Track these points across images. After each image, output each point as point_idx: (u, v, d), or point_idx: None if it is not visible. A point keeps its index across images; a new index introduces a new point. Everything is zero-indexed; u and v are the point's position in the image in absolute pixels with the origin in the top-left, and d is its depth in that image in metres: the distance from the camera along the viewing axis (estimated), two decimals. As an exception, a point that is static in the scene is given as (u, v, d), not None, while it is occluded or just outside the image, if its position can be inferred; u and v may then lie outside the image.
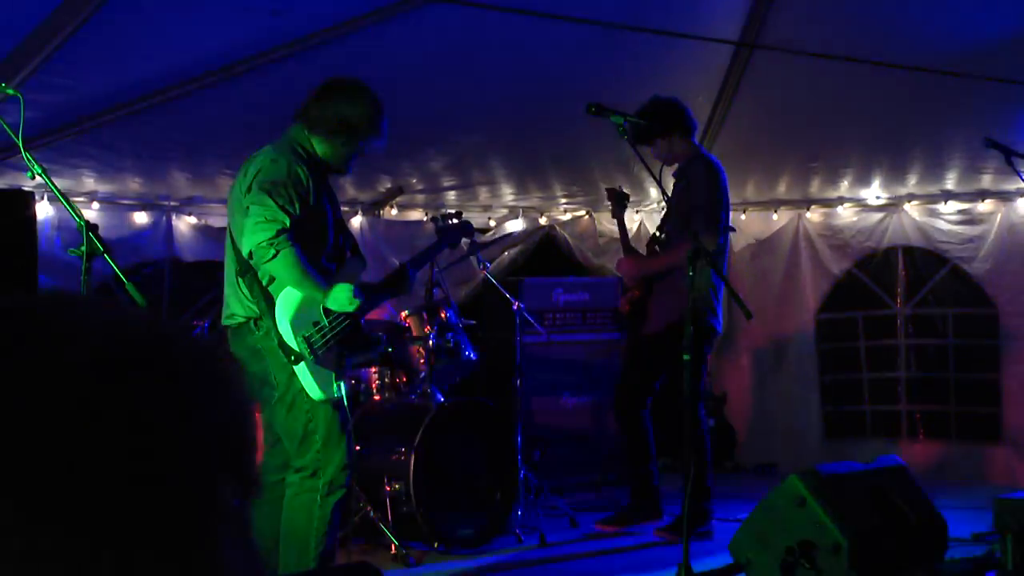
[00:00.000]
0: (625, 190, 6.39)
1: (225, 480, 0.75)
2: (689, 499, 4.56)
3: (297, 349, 4.09)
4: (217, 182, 6.82)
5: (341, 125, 4.24)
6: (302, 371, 4.11)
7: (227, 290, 4.29)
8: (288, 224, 4.02)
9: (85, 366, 0.71)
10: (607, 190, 6.36)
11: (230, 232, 4.27)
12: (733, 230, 5.73)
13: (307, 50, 5.49)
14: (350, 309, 4.20)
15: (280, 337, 4.10)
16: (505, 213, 8.24)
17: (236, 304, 4.23)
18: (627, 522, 6.01)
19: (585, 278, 8.07)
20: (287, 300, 4.11)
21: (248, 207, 4.06)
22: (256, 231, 3.99)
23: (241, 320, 4.21)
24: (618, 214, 6.26)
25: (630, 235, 8.54)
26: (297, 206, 4.09)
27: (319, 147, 4.28)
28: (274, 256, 3.98)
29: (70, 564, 0.67)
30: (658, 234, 6.14)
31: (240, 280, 4.18)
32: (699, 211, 5.73)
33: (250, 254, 4.02)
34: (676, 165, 5.99)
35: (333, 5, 5.38)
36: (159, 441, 0.71)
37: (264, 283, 4.13)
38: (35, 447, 0.68)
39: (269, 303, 4.12)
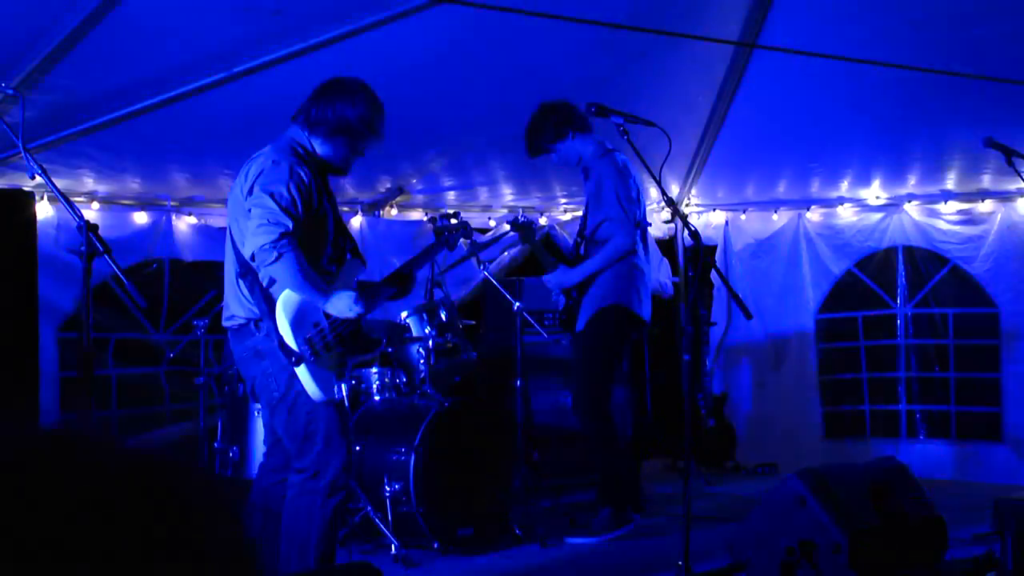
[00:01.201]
0: (521, 218, 6.40)
1: None
2: (687, 499, 4.56)
3: (298, 351, 4.09)
4: (217, 182, 6.82)
5: (341, 125, 4.24)
6: (303, 373, 4.11)
7: (228, 291, 4.29)
8: (291, 227, 4.02)
9: (79, 509, 0.74)
10: (510, 224, 6.31)
11: (230, 234, 4.27)
12: (649, 224, 5.75)
13: (307, 50, 5.49)
14: (350, 316, 4.21)
15: (281, 338, 4.09)
16: (505, 213, 8.24)
17: (237, 305, 4.22)
18: (602, 531, 5.86)
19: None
20: (288, 302, 4.11)
21: (250, 209, 4.06)
22: (259, 234, 3.99)
23: (242, 321, 4.21)
24: (530, 242, 6.22)
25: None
26: (299, 208, 4.09)
27: (319, 147, 4.28)
28: (276, 260, 3.98)
29: None
30: (579, 239, 6.11)
31: (241, 281, 4.18)
32: (611, 219, 5.75)
33: (252, 256, 4.02)
34: (581, 165, 5.95)
35: (333, 5, 5.38)
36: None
37: (265, 284, 4.13)
38: None
39: (270, 305, 4.12)
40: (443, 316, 5.90)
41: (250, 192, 4.09)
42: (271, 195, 4.03)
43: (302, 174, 4.13)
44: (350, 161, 4.35)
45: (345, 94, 4.26)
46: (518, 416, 6.03)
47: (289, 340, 4.09)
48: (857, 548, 4.24)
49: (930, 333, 7.91)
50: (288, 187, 4.06)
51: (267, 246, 3.97)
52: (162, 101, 5.67)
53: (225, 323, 4.31)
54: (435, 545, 5.45)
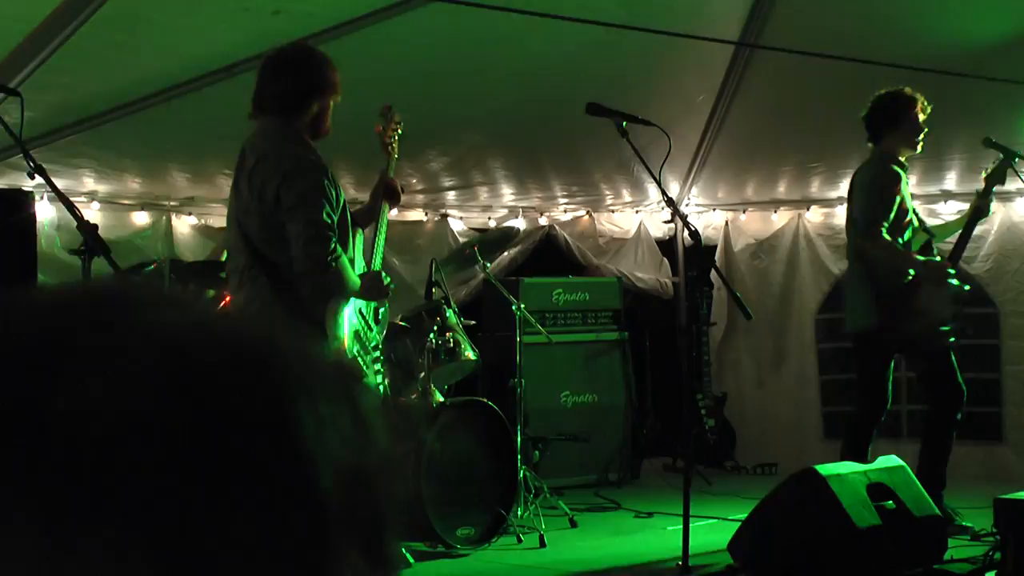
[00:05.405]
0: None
1: (350, 557, 0.53)
2: (688, 499, 4.55)
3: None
4: (217, 182, 6.82)
5: (310, 91, 4.13)
6: None
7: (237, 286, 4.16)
8: (336, 233, 4.02)
9: (151, 380, 0.50)
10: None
11: (253, 243, 4.10)
12: (920, 227, 5.75)
13: (307, 50, 5.48)
14: (386, 296, 4.28)
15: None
16: (505, 213, 8.23)
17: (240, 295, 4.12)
18: None
19: (585, 278, 8.07)
20: (336, 316, 4.08)
21: (289, 221, 3.99)
22: (313, 243, 3.94)
23: None
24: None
25: (628, 236, 8.58)
26: (334, 207, 4.07)
27: (303, 127, 4.22)
28: (331, 269, 3.97)
29: None
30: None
31: (246, 274, 4.07)
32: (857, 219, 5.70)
33: (305, 269, 3.96)
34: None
35: (333, 5, 5.38)
36: (253, 492, 0.49)
37: (309, 294, 4.05)
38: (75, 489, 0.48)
39: (313, 320, 4.04)
40: (443, 316, 5.90)
41: (277, 200, 4.00)
42: (314, 204, 3.99)
43: (324, 169, 4.10)
44: (328, 120, 4.23)
45: (293, 63, 4.16)
46: (518, 416, 6.02)
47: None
48: (857, 548, 4.24)
49: (930, 333, 7.90)
50: (323, 188, 4.03)
51: (324, 258, 3.95)
52: (162, 100, 5.67)
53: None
54: (435, 545, 5.45)
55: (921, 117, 5.64)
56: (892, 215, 5.58)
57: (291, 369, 0.53)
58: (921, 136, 5.68)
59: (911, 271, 5.60)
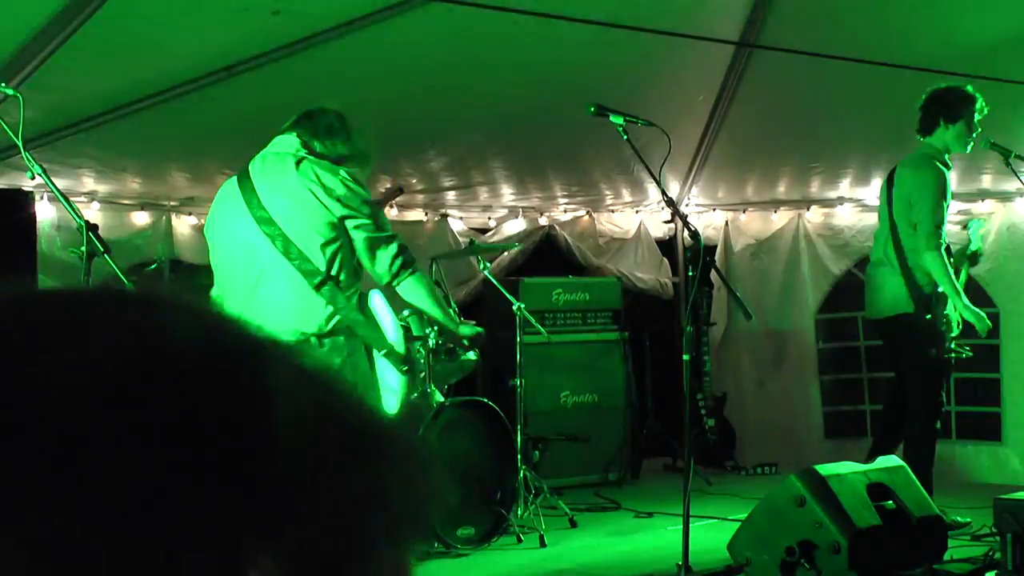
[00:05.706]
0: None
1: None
2: (688, 499, 4.55)
3: (403, 353, 4.11)
4: (217, 182, 6.77)
5: (360, 156, 4.17)
6: (404, 382, 4.10)
7: (287, 304, 3.94)
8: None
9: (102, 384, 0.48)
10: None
11: (289, 243, 3.98)
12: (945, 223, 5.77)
13: (307, 50, 5.49)
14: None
15: (391, 348, 4.05)
16: (505, 213, 8.24)
17: (303, 320, 3.91)
18: None
19: (585, 278, 8.07)
20: (383, 308, 4.11)
21: (360, 225, 3.99)
22: (394, 244, 4.01)
23: (301, 337, 3.88)
24: None
25: (628, 236, 8.59)
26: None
27: (324, 148, 4.17)
28: (412, 272, 4.02)
29: None
30: None
31: (319, 293, 3.95)
32: (919, 219, 5.68)
33: (392, 268, 3.97)
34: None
35: (333, 5, 5.38)
36: (205, 495, 0.48)
37: (349, 296, 4.01)
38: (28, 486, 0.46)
39: (362, 315, 4.03)
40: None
41: (353, 211, 3.98)
42: (377, 214, 4.06)
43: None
44: None
45: (347, 131, 4.15)
46: (518, 416, 6.02)
47: (401, 347, 4.10)
48: (857, 548, 4.24)
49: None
50: (369, 202, 4.09)
51: (407, 259, 4.01)
52: (162, 100, 5.67)
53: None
54: (435, 545, 5.46)
55: (977, 117, 5.62)
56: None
57: (274, 375, 0.52)
58: (974, 135, 5.67)
59: (939, 287, 5.65)
